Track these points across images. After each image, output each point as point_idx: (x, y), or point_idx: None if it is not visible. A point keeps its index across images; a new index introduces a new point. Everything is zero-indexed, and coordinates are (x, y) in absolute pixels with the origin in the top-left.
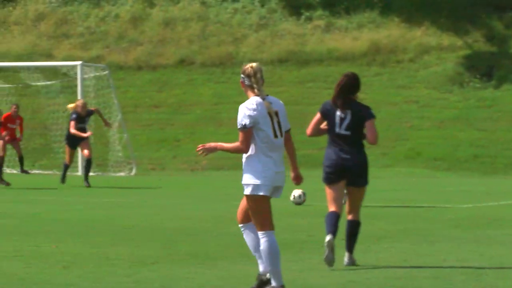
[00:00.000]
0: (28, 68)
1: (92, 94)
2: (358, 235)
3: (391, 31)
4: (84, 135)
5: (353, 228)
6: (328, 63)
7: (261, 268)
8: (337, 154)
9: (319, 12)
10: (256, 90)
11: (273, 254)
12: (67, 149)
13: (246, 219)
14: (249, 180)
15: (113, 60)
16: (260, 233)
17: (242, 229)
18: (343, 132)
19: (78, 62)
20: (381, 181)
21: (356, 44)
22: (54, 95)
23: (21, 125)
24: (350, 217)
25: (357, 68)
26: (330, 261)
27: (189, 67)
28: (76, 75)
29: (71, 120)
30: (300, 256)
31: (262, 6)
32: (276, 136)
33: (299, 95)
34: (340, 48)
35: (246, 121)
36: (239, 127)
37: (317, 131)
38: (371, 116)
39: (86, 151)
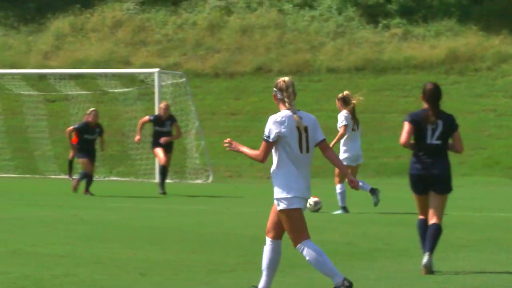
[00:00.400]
0: (105, 75)
1: (170, 102)
2: (439, 239)
3: (469, 39)
4: (162, 140)
5: (435, 231)
6: (406, 71)
7: (262, 283)
8: (425, 164)
9: (396, 20)
10: (287, 104)
11: (322, 259)
12: (155, 151)
13: (278, 235)
14: (281, 194)
15: (191, 68)
16: (299, 246)
17: (270, 244)
18: (434, 142)
19: (156, 70)
20: (459, 190)
21: (433, 53)
22: (131, 102)
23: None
24: (432, 221)
25: (434, 77)
26: (428, 267)
27: (266, 74)
28: (153, 82)
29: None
30: (376, 264)
31: (340, 14)
32: (301, 151)
33: (376, 103)
34: (417, 56)
35: (271, 134)
36: (264, 137)
37: (409, 142)
38: (457, 126)
39: (162, 157)
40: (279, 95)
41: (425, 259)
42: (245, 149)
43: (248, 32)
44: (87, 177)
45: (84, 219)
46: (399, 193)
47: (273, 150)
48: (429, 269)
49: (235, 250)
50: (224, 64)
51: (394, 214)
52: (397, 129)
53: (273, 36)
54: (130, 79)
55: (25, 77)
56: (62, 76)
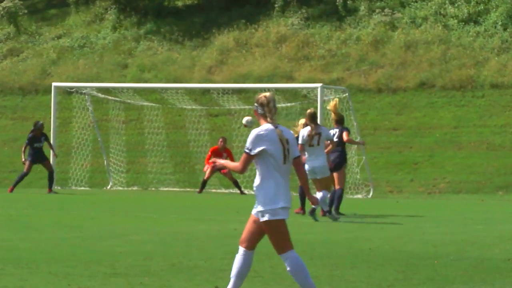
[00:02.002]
0: (268, 89)
1: (331, 117)
2: None
3: None
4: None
5: None
6: None
7: None
8: None
9: None
10: (268, 119)
11: (302, 271)
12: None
13: (251, 246)
14: (265, 206)
15: (353, 83)
16: (282, 256)
17: (242, 253)
18: None
19: (319, 85)
20: None
21: None
22: (294, 117)
23: (230, 156)
24: None
25: None
26: None
27: (429, 90)
28: (316, 97)
29: None
30: None
31: (505, 29)
32: (285, 162)
33: None
34: None
35: (253, 147)
36: (245, 149)
37: None
38: None
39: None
40: (259, 110)
41: None
42: (228, 163)
43: (412, 47)
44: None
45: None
46: None
47: (258, 164)
48: None
49: (396, 265)
50: (387, 79)
51: None
52: None
53: (437, 52)
54: (292, 94)
55: (188, 91)
56: (225, 91)
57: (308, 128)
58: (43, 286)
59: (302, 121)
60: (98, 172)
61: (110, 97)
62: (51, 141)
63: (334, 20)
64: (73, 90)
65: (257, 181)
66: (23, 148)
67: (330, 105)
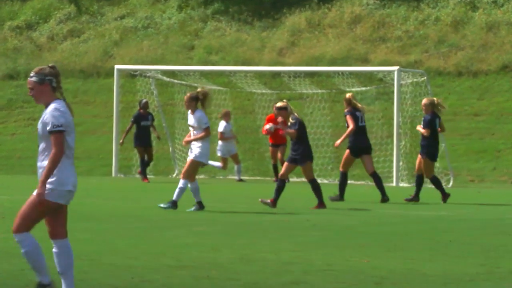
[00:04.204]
0: (342, 73)
1: (409, 101)
2: None
3: None
4: None
5: None
6: None
7: (40, 277)
8: None
9: None
10: (58, 93)
11: (40, 254)
12: None
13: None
14: (57, 185)
15: (432, 66)
16: (19, 235)
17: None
18: None
19: (395, 68)
20: None
21: None
22: (369, 102)
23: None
24: None
25: None
26: None
27: None
28: (393, 81)
29: None
30: None
31: None
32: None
33: None
34: None
35: (62, 123)
36: (54, 129)
37: None
38: None
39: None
40: (54, 84)
41: None
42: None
43: (494, 28)
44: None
45: (316, 224)
46: None
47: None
48: None
49: (477, 258)
50: (468, 62)
51: None
52: None
53: None
54: (368, 78)
55: (258, 74)
56: (296, 74)
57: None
58: (105, 279)
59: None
60: (163, 159)
61: (175, 81)
62: (113, 128)
63: (411, 0)
64: (136, 73)
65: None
66: (127, 129)
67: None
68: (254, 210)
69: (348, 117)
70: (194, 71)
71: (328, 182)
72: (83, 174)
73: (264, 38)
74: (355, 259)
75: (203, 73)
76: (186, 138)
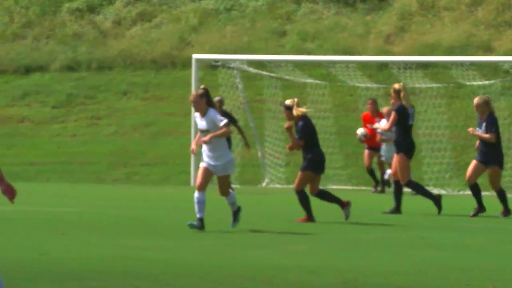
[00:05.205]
0: (461, 63)
1: None
2: None
3: None
4: None
5: None
6: None
7: None
8: None
9: None
10: None
11: None
12: None
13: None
14: None
15: None
16: None
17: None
18: None
19: None
20: None
21: None
22: (494, 98)
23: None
24: None
25: None
26: None
27: None
28: None
29: None
30: None
31: None
32: None
33: None
34: None
35: None
36: None
37: None
38: None
39: None
40: None
41: None
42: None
43: None
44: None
45: (431, 242)
46: None
47: None
48: None
49: None
50: None
51: None
52: None
53: None
54: (492, 69)
55: (361, 65)
56: (407, 65)
57: None
58: None
59: None
60: (250, 166)
61: (264, 72)
62: (191, 128)
63: None
64: (218, 63)
65: None
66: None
67: None
68: (357, 224)
69: (393, 114)
70: (286, 61)
71: (446, 193)
72: (157, 182)
73: (369, 22)
74: (477, 282)
75: (296, 64)
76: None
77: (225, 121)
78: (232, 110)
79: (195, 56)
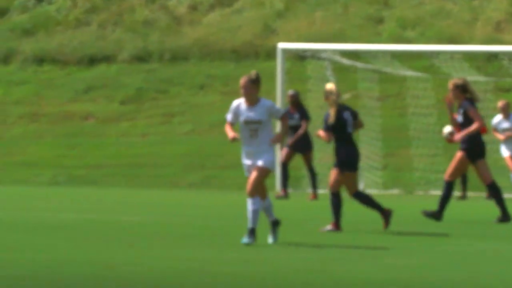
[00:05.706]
0: None
1: None
2: None
3: None
4: None
5: None
6: None
7: None
8: None
9: None
10: None
11: None
12: None
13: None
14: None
15: None
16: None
17: None
18: None
19: None
20: None
21: None
22: None
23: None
24: None
25: None
26: None
27: None
28: None
29: None
30: None
31: None
32: None
33: None
34: None
35: None
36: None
37: None
38: None
39: None
40: None
41: None
42: None
43: None
44: None
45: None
46: None
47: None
48: None
49: None
50: None
51: None
52: None
53: None
54: None
55: (468, 56)
56: None
57: None
58: None
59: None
60: None
61: (359, 64)
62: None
63: None
64: (306, 53)
65: None
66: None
67: None
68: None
69: (472, 111)
70: (384, 52)
71: None
72: (239, 187)
73: (476, 8)
74: None
75: (395, 54)
76: None
77: (283, 111)
78: (323, 106)
79: (280, 45)
